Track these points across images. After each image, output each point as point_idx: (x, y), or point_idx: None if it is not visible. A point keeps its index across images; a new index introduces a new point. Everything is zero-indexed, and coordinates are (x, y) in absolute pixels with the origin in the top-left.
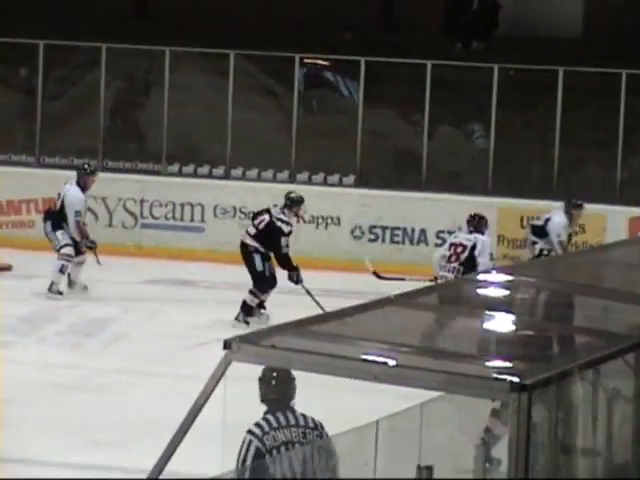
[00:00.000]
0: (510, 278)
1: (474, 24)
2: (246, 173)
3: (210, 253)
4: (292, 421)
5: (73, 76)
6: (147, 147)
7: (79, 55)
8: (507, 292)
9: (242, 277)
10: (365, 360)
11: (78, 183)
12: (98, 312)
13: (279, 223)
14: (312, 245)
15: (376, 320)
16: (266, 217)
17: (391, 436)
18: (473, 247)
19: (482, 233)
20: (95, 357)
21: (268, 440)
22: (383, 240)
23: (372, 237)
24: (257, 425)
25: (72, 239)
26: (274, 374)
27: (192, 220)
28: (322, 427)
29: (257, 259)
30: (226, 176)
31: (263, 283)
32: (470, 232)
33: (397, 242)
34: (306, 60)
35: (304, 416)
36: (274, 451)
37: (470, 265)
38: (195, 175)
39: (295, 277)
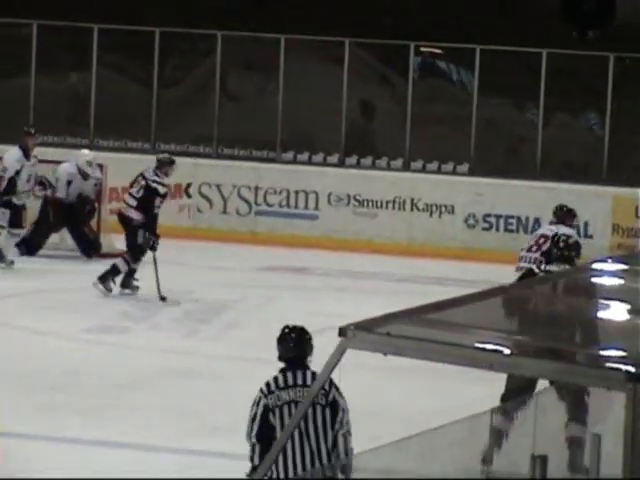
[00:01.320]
0: (625, 267)
1: (592, 12)
2: (360, 161)
3: (324, 240)
4: (299, 380)
5: (189, 64)
6: (262, 134)
7: (195, 43)
8: (622, 281)
9: (355, 265)
10: (480, 348)
11: (20, 145)
12: (213, 299)
13: (154, 184)
14: (426, 233)
15: (490, 309)
16: (142, 182)
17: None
18: (554, 237)
19: (567, 226)
20: (210, 344)
21: (272, 399)
22: (497, 229)
23: (486, 226)
24: (267, 384)
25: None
26: (292, 335)
27: (306, 207)
28: (330, 385)
29: (140, 233)
30: (340, 164)
31: (138, 253)
32: (552, 223)
33: (511, 231)
34: (421, 48)
35: (314, 375)
36: (277, 410)
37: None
38: (309, 162)
39: (152, 242)
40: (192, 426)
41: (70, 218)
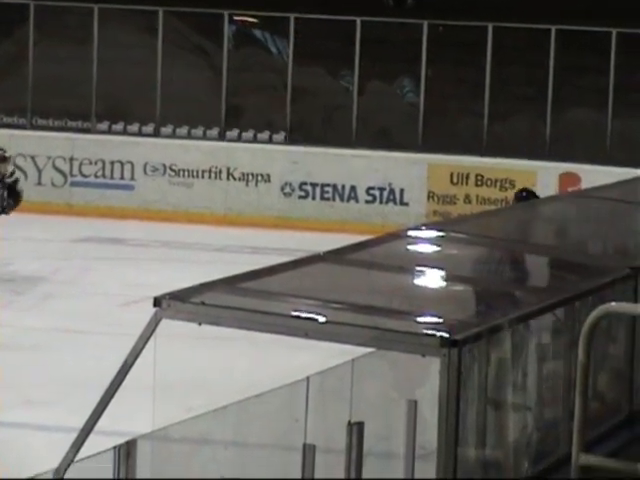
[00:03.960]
0: (440, 234)
1: None
2: (176, 131)
3: (140, 211)
4: None
5: (1, 34)
6: (76, 105)
7: (8, 12)
8: (437, 248)
9: (172, 235)
10: (295, 317)
11: None
12: (29, 270)
13: None
14: (242, 203)
15: (306, 277)
16: None
17: (322, 392)
18: None
19: None
20: (26, 315)
21: None
22: (313, 197)
23: (302, 194)
24: None
25: None
26: None
27: (122, 178)
28: None
29: None
30: (156, 134)
31: None
32: None
33: (327, 199)
34: (235, 17)
35: None
36: None
37: None
38: (125, 133)
39: None
40: (7, 398)
41: None
